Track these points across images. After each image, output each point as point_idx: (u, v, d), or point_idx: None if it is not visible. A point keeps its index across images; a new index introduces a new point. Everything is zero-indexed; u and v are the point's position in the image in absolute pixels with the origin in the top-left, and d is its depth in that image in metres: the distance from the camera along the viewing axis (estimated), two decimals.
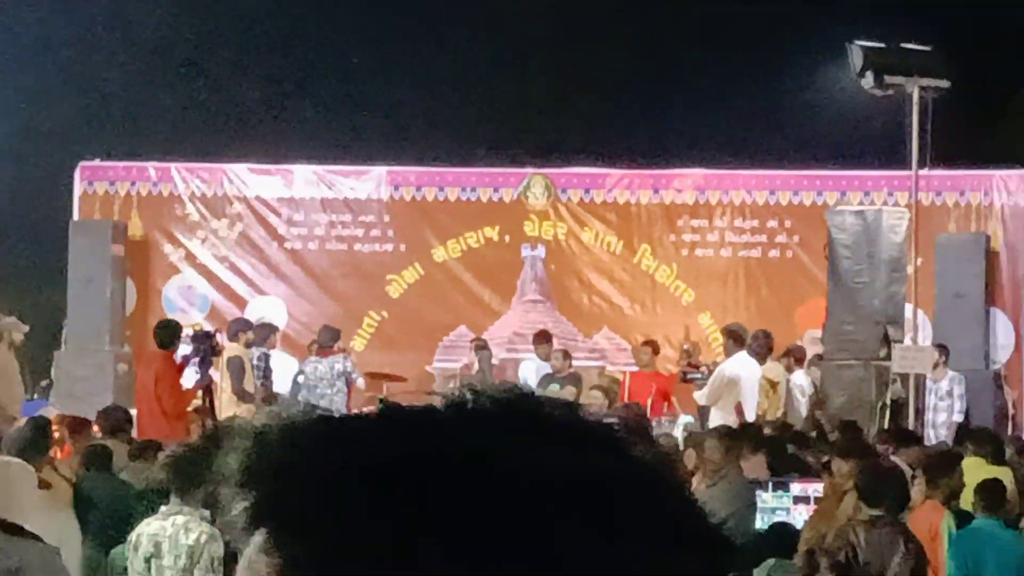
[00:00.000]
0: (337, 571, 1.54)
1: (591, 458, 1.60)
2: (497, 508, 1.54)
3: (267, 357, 27.86)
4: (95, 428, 20.14)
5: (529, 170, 32.40)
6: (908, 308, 27.29)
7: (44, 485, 14.04)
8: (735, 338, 27.26)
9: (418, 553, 1.51)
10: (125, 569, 14.96)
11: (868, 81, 28.02)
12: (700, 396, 26.69)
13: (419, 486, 1.54)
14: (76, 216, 31.26)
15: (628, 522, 1.58)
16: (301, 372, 28.39)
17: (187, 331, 27.67)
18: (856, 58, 28.21)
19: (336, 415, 1.68)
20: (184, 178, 32.29)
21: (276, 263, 32.22)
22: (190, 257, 32.01)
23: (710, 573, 1.64)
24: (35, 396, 28.89)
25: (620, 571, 1.57)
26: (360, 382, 29.00)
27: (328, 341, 28.59)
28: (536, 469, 1.56)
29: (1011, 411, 27.96)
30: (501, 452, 1.57)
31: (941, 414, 26.05)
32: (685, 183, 32.17)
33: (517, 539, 1.53)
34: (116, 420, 20.65)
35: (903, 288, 27.38)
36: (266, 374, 27.86)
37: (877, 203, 29.06)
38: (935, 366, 26.25)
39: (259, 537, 1.58)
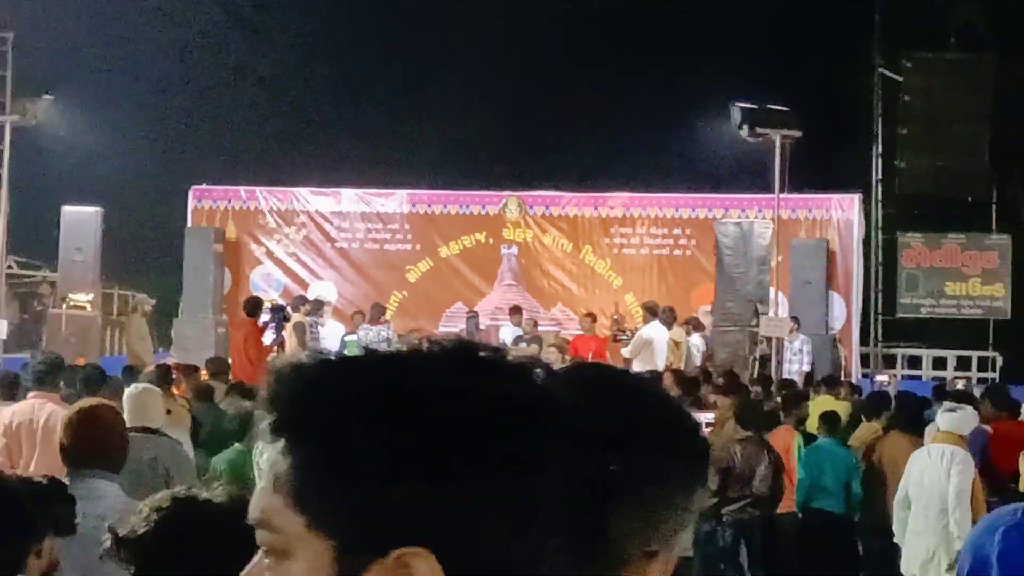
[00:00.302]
0: (332, 461, 1.61)
1: (504, 382, 1.66)
2: (437, 416, 1.60)
3: (317, 324, 27.80)
4: (202, 372, 20.26)
5: (507, 193, 32.30)
6: (771, 291, 27.47)
7: (167, 412, 14.12)
8: (650, 311, 27.28)
9: (386, 446, 1.57)
10: (223, 471, 13.82)
11: (744, 131, 27.98)
12: (626, 352, 26.62)
13: (386, 404, 1.60)
14: (189, 224, 31.14)
15: (545, 436, 1.64)
16: (354, 334, 27.99)
17: (267, 305, 27.67)
18: (736, 115, 28.21)
19: (333, 357, 1.76)
20: (265, 197, 32.24)
21: (329, 257, 32.06)
22: (269, 253, 31.92)
23: (595, 469, 1.76)
24: (160, 349, 28.82)
25: (530, 462, 1.62)
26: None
27: (377, 314, 28.54)
28: (462, 388, 1.62)
29: (843, 364, 27.88)
30: (435, 377, 1.63)
31: (794, 365, 26.09)
32: (616, 202, 32.05)
33: (454, 438, 1.59)
34: (217, 367, 20.88)
35: (768, 277, 27.50)
36: (315, 337, 27.60)
37: (750, 217, 29.05)
38: (790, 331, 26.33)
39: (279, 443, 1.66)
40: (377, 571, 1.58)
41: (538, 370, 1.76)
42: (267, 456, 1.72)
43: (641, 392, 2.58)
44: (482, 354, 1.72)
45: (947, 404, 16.06)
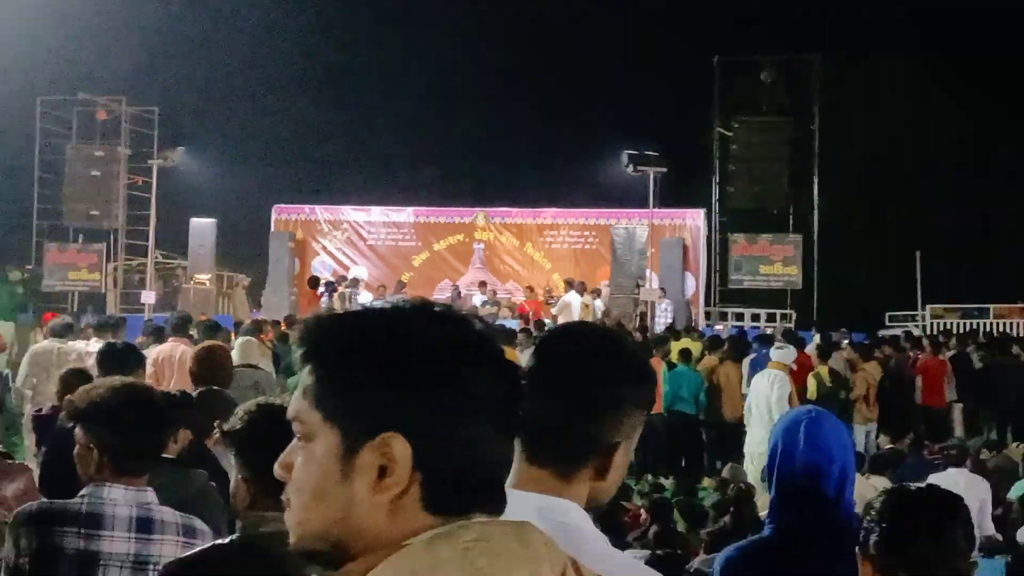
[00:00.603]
0: (338, 378, 1.64)
1: (450, 326, 1.69)
2: (406, 348, 1.63)
3: (355, 294, 27.23)
4: (282, 324, 20.10)
5: (477, 208, 31.87)
6: (647, 272, 27.38)
7: (258, 350, 14.15)
8: (569, 284, 27.11)
9: (372, 368, 1.60)
10: (294, 387, 13.78)
11: (630, 169, 27.62)
12: (553, 311, 26.31)
13: (374, 340, 1.64)
14: (272, 229, 30.78)
15: (476, 360, 1.66)
16: (382, 300, 27.07)
17: (322, 282, 27.93)
18: (624, 158, 27.92)
19: (341, 312, 1.79)
20: (321, 212, 31.78)
21: (362, 251, 31.45)
22: (324, 248, 31.34)
23: (515, 389, 1.71)
24: (254, 310, 28.62)
25: (467, 378, 1.64)
26: None
27: (399, 288, 28.01)
28: (423, 335, 1.65)
29: (694, 318, 27.64)
30: (406, 324, 1.66)
31: (662, 319, 25.73)
32: (547, 215, 31.71)
33: (417, 362, 1.63)
34: (291, 321, 20.55)
35: (645, 263, 27.46)
36: (353, 303, 26.76)
37: (634, 224, 28.94)
38: (659, 297, 26.20)
39: (307, 367, 1.67)
40: (368, 449, 1.60)
41: (477, 320, 1.77)
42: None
43: (615, 343, 2.57)
44: (437, 308, 1.72)
45: (778, 343, 16.18)
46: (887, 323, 29.27)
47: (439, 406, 1.63)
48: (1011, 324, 27.77)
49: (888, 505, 3.01)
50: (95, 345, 11.43)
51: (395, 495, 1.61)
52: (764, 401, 14.10)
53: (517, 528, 1.65)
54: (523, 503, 2.13)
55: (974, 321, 28.71)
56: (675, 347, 18.51)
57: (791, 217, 30.44)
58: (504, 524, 1.66)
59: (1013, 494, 10.90)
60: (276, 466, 1.72)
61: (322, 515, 1.64)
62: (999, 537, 9.42)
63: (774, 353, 14.97)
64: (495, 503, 1.69)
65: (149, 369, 10.28)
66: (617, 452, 2.40)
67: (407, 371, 1.63)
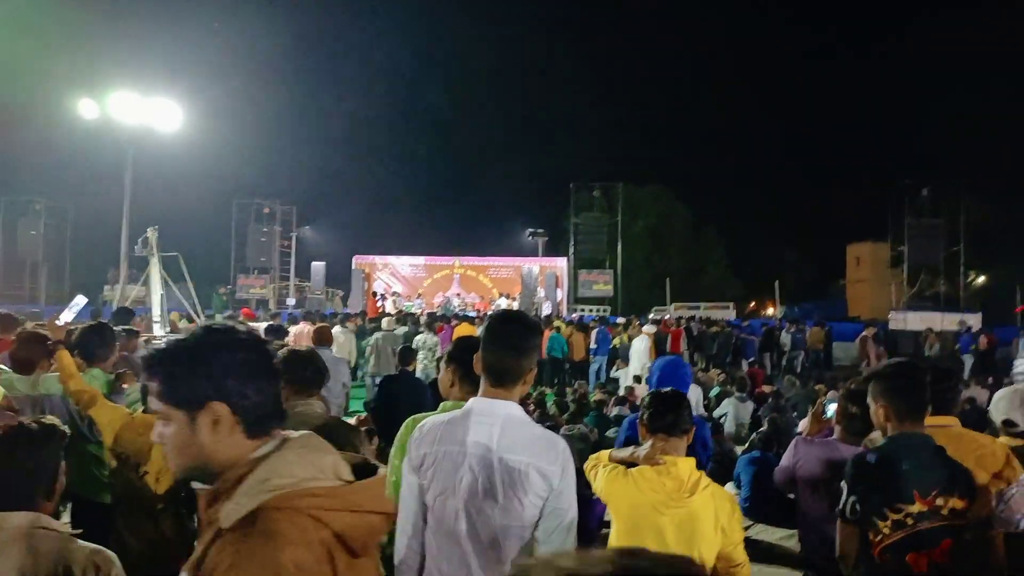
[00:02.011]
0: (170, 383, 1.44)
1: (220, 336, 1.46)
2: (198, 359, 1.43)
3: (397, 300, 25.51)
4: (357, 317, 17.35)
5: (455, 257, 29.89)
6: (540, 291, 26.07)
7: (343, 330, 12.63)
8: (501, 294, 26.25)
9: (192, 369, 1.42)
10: (369, 347, 12.28)
11: (531, 238, 29.45)
12: (492, 308, 23.87)
13: (178, 361, 1.43)
14: (354, 268, 27.90)
15: (231, 349, 1.46)
16: (411, 302, 24.95)
17: (378, 294, 26.55)
18: (528, 234, 29.80)
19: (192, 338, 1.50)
20: (376, 258, 29.44)
21: (398, 279, 29.08)
22: (378, 278, 28.68)
23: (263, 359, 1.50)
24: (344, 308, 26.49)
25: (244, 367, 1.45)
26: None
27: (417, 297, 26.36)
28: (198, 348, 1.44)
29: (561, 312, 26.04)
30: (193, 346, 1.43)
31: (546, 311, 24.57)
32: (490, 260, 30.07)
33: (219, 363, 1.44)
34: (362, 314, 18.44)
35: (537, 284, 26.08)
36: (397, 306, 24.13)
37: (532, 265, 27.15)
38: (544, 300, 25.33)
39: (152, 379, 1.44)
40: (202, 414, 1.42)
41: (240, 326, 1.51)
42: None
43: (526, 319, 2.33)
44: (215, 328, 1.45)
45: (645, 324, 15.34)
46: (652, 312, 27.04)
47: (224, 376, 1.44)
48: (712, 313, 26.87)
49: (651, 399, 2.93)
50: (264, 324, 10.17)
51: (227, 433, 1.43)
52: (635, 353, 13.15)
53: (315, 436, 1.49)
54: (490, 405, 2.10)
55: (695, 311, 27.63)
56: (553, 324, 17.60)
57: (607, 262, 29.47)
58: (309, 435, 1.48)
59: (716, 408, 10.25)
60: (154, 436, 1.45)
61: (188, 457, 1.45)
62: (706, 414, 9.30)
63: (645, 327, 14.25)
64: (280, 420, 1.50)
65: (290, 337, 9.71)
66: (532, 370, 2.28)
67: (200, 367, 1.43)
